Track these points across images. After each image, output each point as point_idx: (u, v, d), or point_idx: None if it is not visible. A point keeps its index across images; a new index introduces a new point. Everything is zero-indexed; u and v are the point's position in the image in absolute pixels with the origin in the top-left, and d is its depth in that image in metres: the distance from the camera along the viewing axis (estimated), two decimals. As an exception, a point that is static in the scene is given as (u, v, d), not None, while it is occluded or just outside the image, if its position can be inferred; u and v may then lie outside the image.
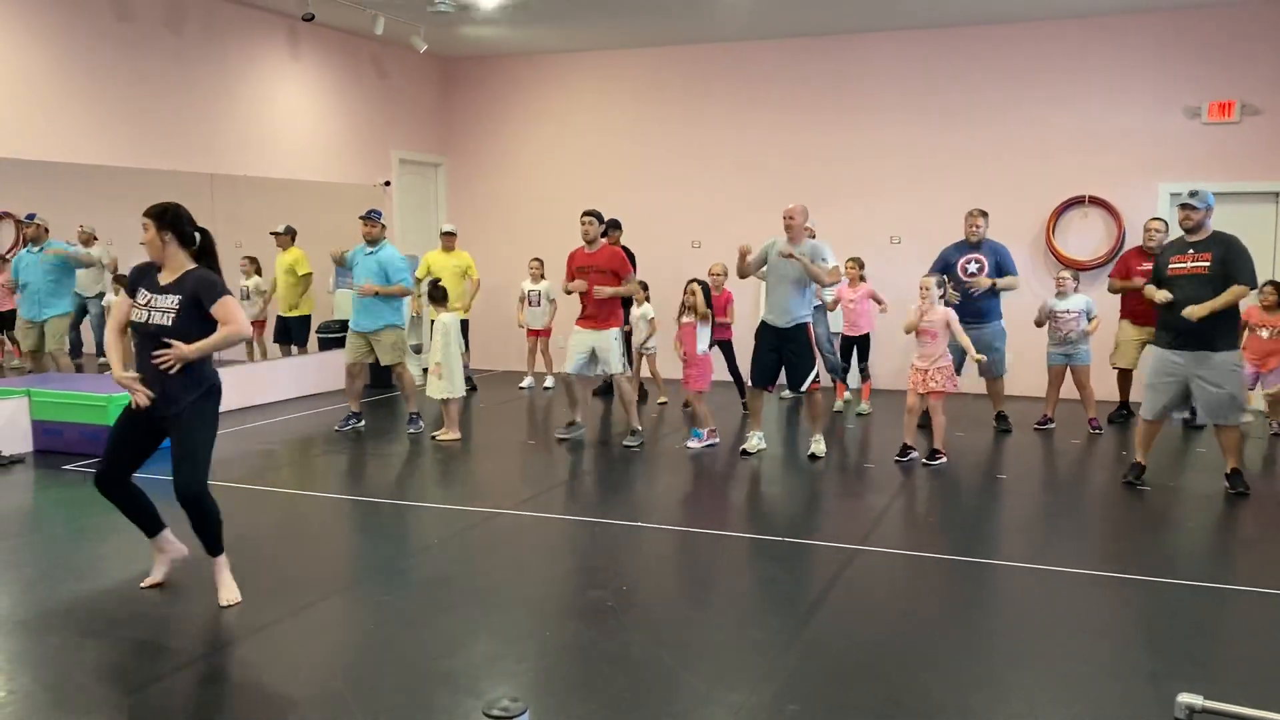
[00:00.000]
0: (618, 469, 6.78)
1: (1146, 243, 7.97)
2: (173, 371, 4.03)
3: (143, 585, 4.41)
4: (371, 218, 7.82)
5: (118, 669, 3.58)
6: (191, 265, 4.17)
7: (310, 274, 9.37)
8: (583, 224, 7.40)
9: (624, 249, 9.16)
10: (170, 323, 4.05)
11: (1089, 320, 7.77)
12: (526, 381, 10.21)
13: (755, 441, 7.13)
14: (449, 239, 9.66)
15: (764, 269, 7.00)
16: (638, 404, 8.56)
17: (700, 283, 7.33)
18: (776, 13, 9.27)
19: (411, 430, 7.85)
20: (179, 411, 4.15)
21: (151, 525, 4.46)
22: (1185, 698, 3.19)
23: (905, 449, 6.90)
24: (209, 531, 4.26)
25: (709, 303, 7.33)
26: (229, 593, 4.24)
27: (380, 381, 10.24)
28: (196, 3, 8.55)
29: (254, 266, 9.17)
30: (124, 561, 4.78)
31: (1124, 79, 9.28)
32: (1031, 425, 8.10)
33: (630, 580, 4.60)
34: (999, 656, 3.73)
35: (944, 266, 7.83)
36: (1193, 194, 5.89)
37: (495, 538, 5.26)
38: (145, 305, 4.10)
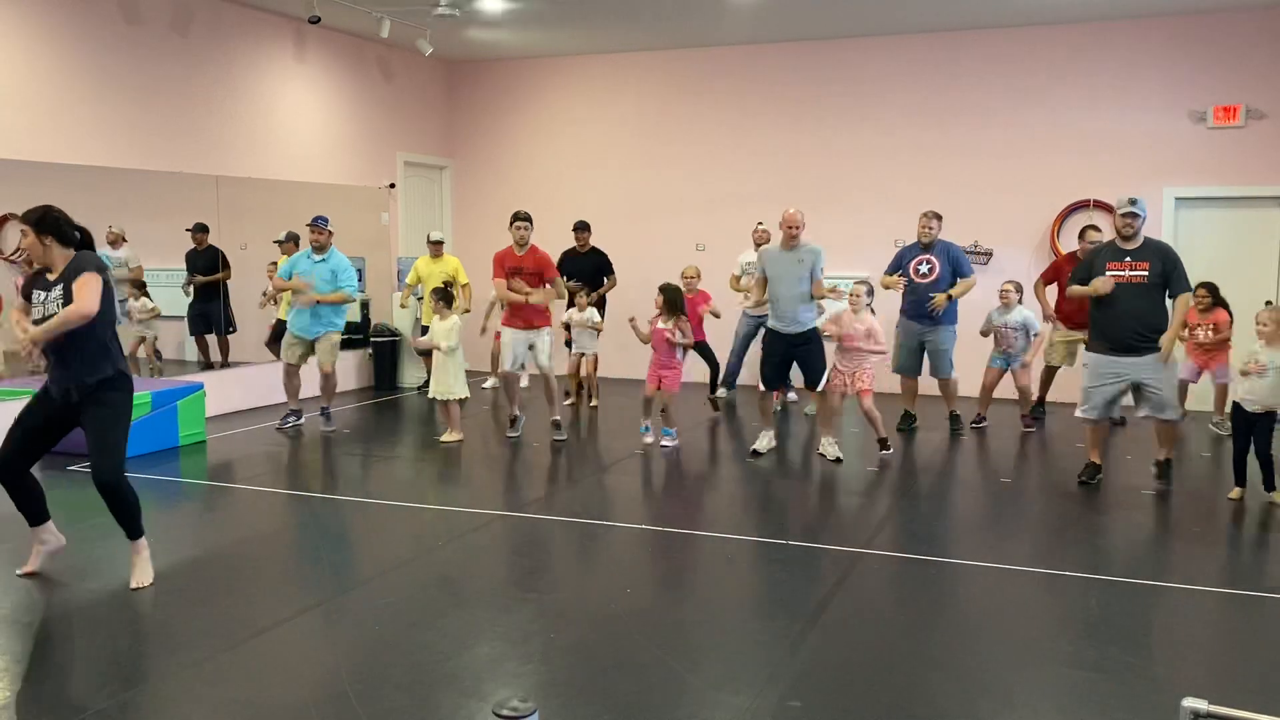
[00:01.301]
0: (619, 473, 6.78)
1: (1085, 249, 7.92)
2: (34, 355, 4.14)
3: (19, 573, 4.50)
4: (319, 225, 7.87)
5: (121, 669, 3.59)
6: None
7: None
8: (519, 228, 7.47)
9: (595, 249, 9.25)
10: (59, 309, 4.13)
11: (1030, 336, 7.89)
12: (490, 382, 10.16)
13: (765, 442, 7.15)
14: (436, 247, 9.62)
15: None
16: (568, 403, 8.99)
17: (669, 287, 7.40)
18: (781, 16, 9.28)
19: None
20: (85, 400, 4.22)
21: (38, 515, 4.54)
22: (1190, 702, 3.19)
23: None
24: (128, 517, 4.37)
25: (681, 308, 7.38)
26: (142, 576, 4.38)
27: (384, 385, 10.26)
28: (203, 5, 8.58)
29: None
30: (127, 563, 4.78)
31: (1129, 83, 9.28)
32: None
33: (634, 583, 4.60)
34: (1004, 661, 3.73)
35: (897, 267, 7.95)
36: (1133, 201, 6.11)
37: (499, 540, 5.27)
38: (40, 304, 4.20)
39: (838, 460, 6.87)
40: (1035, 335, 7.93)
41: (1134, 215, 6.06)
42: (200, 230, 8.56)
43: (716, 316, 8.94)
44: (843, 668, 3.64)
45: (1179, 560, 5.03)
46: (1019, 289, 8.00)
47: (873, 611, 4.29)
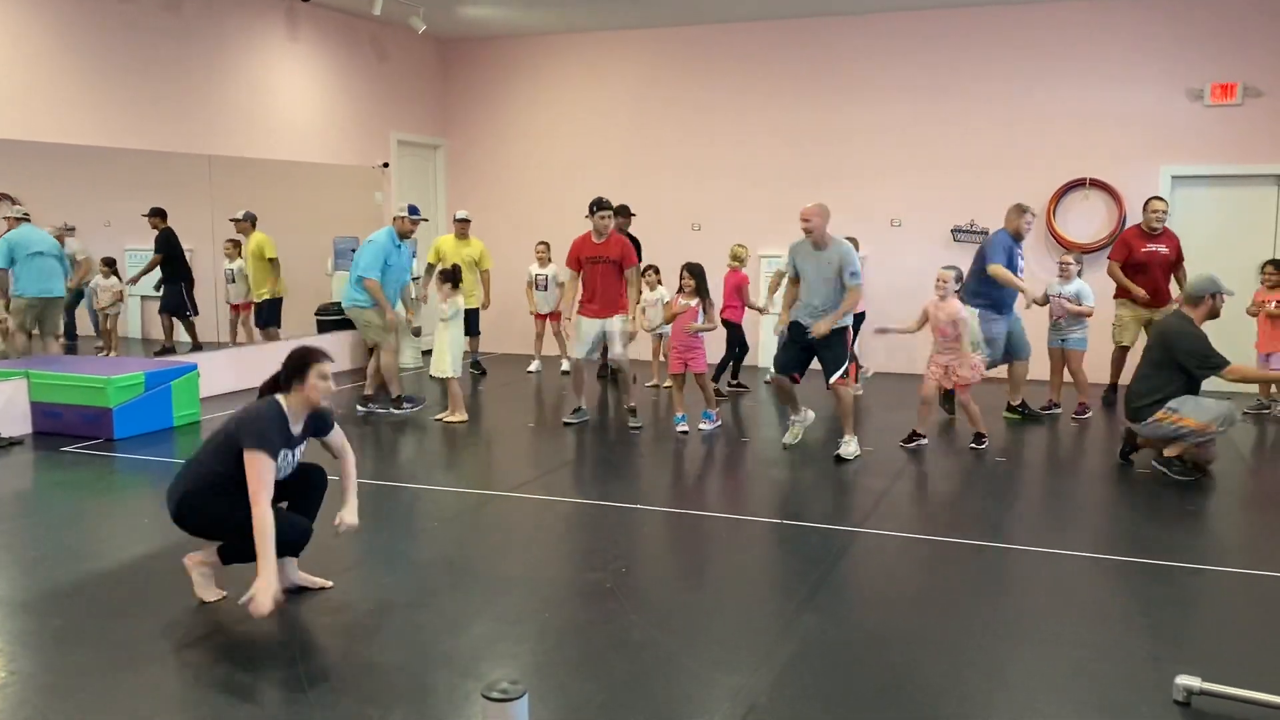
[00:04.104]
0: (617, 452, 6.78)
1: (1151, 224, 7.96)
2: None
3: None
4: (417, 216, 7.83)
5: (117, 650, 3.59)
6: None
7: (275, 259, 9.17)
8: (602, 218, 7.23)
9: (630, 237, 9.10)
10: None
11: (1080, 305, 7.73)
12: (534, 365, 10.16)
13: (796, 429, 6.91)
14: (463, 226, 9.44)
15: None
16: (650, 385, 8.82)
17: (696, 266, 7.28)
18: (777, -7, 9.23)
19: (399, 411, 7.84)
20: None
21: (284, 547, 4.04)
22: (1183, 679, 3.20)
23: (914, 435, 6.85)
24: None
25: (703, 289, 7.22)
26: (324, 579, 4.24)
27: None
28: (194, -18, 8.52)
29: (236, 250, 9.10)
30: (123, 543, 4.79)
31: (1126, 60, 9.24)
32: (1037, 409, 8.04)
33: (630, 562, 4.60)
34: (999, 640, 3.73)
35: (1009, 258, 7.56)
36: None
37: (495, 520, 5.27)
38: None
39: (838, 459, 6.56)
40: (1085, 305, 7.72)
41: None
42: (154, 214, 8.40)
43: (761, 311, 9.01)
44: (837, 647, 3.65)
45: (1175, 539, 5.03)
46: (1079, 261, 7.89)
47: (867, 591, 4.30)
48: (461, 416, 7.62)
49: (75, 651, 3.57)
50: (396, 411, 7.84)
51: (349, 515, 4.08)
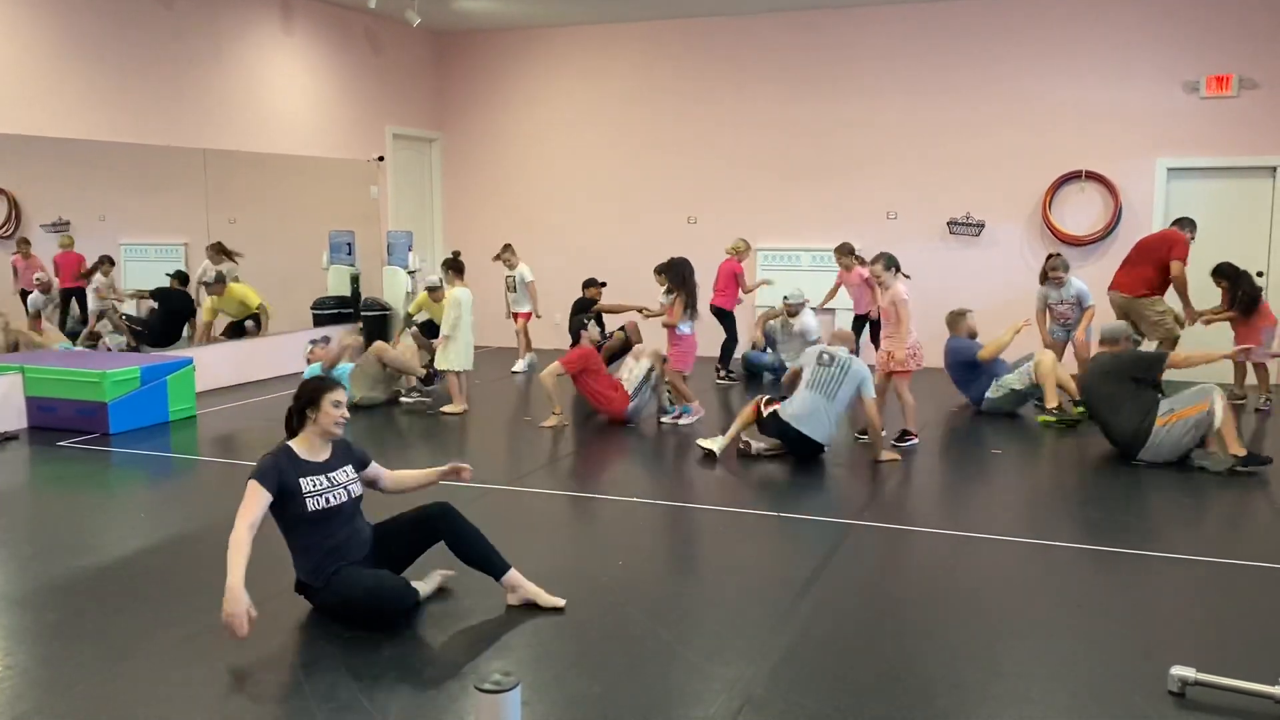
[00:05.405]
0: (612, 446, 6.78)
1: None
2: None
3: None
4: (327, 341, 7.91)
5: (113, 644, 3.59)
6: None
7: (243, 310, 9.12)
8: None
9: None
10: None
11: (1083, 310, 7.78)
12: (519, 364, 10.06)
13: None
14: (436, 293, 9.07)
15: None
16: None
17: (668, 264, 7.35)
18: (773, -14, 9.21)
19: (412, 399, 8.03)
20: None
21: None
22: (1178, 670, 3.22)
23: (863, 432, 6.70)
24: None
25: (677, 281, 7.23)
26: (550, 597, 3.94)
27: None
28: (187, -24, 8.49)
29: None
30: (119, 537, 4.78)
31: (1122, 53, 9.24)
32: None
33: (626, 556, 4.61)
34: (994, 631, 3.74)
35: None
36: None
37: (491, 514, 5.26)
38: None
39: (709, 454, 6.36)
40: (1088, 307, 7.77)
41: None
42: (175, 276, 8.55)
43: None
44: (833, 638, 3.65)
45: (1169, 531, 5.04)
46: (1066, 267, 7.86)
47: (863, 583, 4.30)
48: (460, 408, 7.66)
49: (71, 646, 3.57)
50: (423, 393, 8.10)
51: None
